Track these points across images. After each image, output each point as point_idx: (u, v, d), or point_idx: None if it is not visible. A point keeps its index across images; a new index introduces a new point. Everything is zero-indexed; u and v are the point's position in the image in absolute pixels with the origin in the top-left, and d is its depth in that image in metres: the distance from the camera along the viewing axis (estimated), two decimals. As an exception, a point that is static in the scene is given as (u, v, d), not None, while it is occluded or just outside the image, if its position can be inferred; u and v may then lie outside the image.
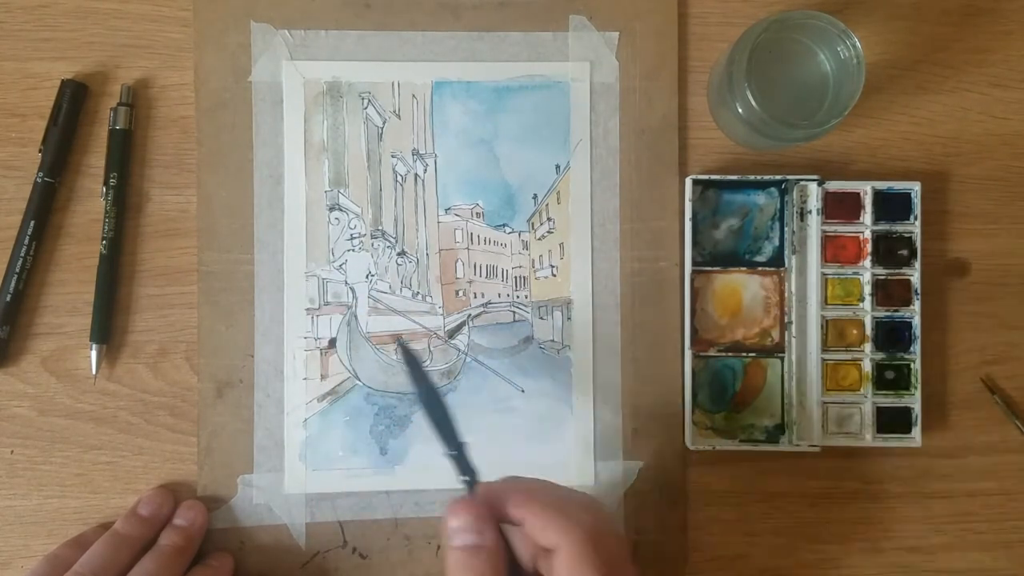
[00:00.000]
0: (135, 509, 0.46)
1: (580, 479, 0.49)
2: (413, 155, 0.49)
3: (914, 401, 0.48)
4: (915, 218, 0.49)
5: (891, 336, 0.49)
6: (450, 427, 0.40)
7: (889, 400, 0.49)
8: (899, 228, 0.49)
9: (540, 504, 0.36)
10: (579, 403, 0.49)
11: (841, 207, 0.49)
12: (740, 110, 0.44)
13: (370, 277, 0.49)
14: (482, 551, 0.36)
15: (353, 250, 0.49)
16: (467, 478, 0.39)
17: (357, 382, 0.49)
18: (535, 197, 0.50)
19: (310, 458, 0.48)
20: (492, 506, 0.37)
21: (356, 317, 0.49)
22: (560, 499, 0.37)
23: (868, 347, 0.48)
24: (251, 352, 0.48)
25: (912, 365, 0.49)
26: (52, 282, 0.48)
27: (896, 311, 0.49)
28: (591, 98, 0.50)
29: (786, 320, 0.49)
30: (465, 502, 0.37)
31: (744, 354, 0.49)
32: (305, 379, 0.48)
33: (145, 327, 0.49)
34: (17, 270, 0.47)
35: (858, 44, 0.43)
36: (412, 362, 0.41)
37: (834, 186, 0.49)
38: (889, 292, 0.49)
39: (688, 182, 0.48)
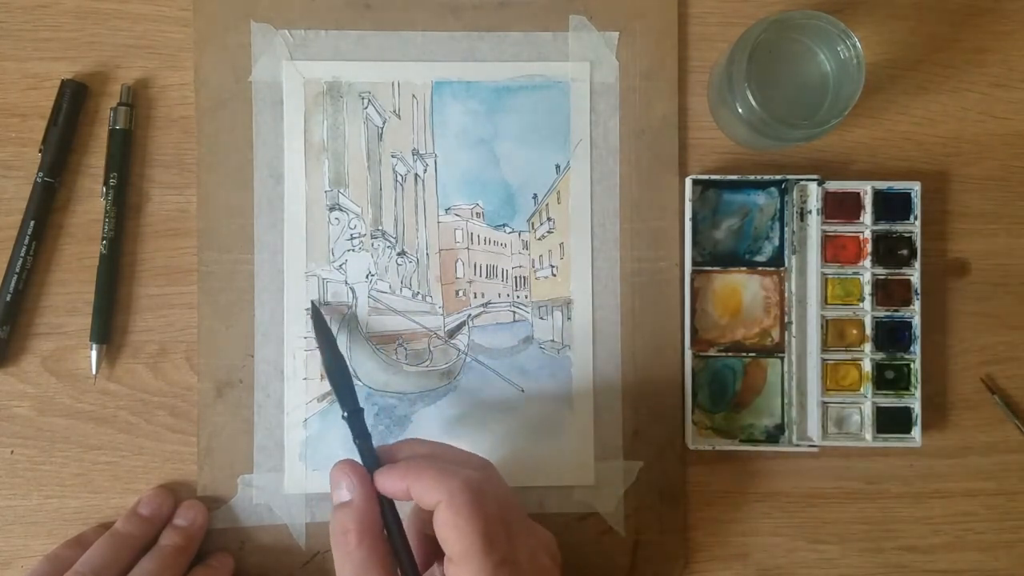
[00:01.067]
0: (135, 509, 0.46)
1: (580, 479, 0.49)
2: (413, 155, 0.49)
3: (914, 401, 0.48)
4: (915, 218, 0.49)
5: (891, 336, 0.49)
6: (350, 391, 0.43)
7: (889, 400, 0.48)
8: (899, 228, 0.49)
9: (420, 466, 0.38)
10: (579, 403, 0.49)
11: (841, 207, 0.49)
12: (740, 110, 0.44)
13: (370, 277, 0.49)
14: (348, 507, 0.38)
15: (353, 250, 0.49)
16: (359, 440, 0.41)
17: (357, 382, 0.49)
18: (535, 197, 0.50)
19: (310, 458, 0.48)
20: (380, 484, 0.39)
21: (356, 317, 0.49)
22: (442, 458, 0.39)
23: (868, 347, 0.48)
24: (251, 352, 0.48)
25: (912, 365, 0.49)
26: (52, 282, 0.48)
27: (896, 311, 0.49)
28: (591, 98, 0.50)
29: (786, 320, 0.49)
30: (339, 463, 0.39)
31: (744, 354, 0.49)
32: (305, 379, 0.48)
33: (145, 327, 0.49)
34: (17, 270, 0.47)
35: (858, 44, 0.43)
36: (320, 323, 0.44)
37: (834, 186, 0.49)
38: (889, 292, 0.49)
39: (688, 182, 0.48)
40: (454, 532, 0.35)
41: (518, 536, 0.37)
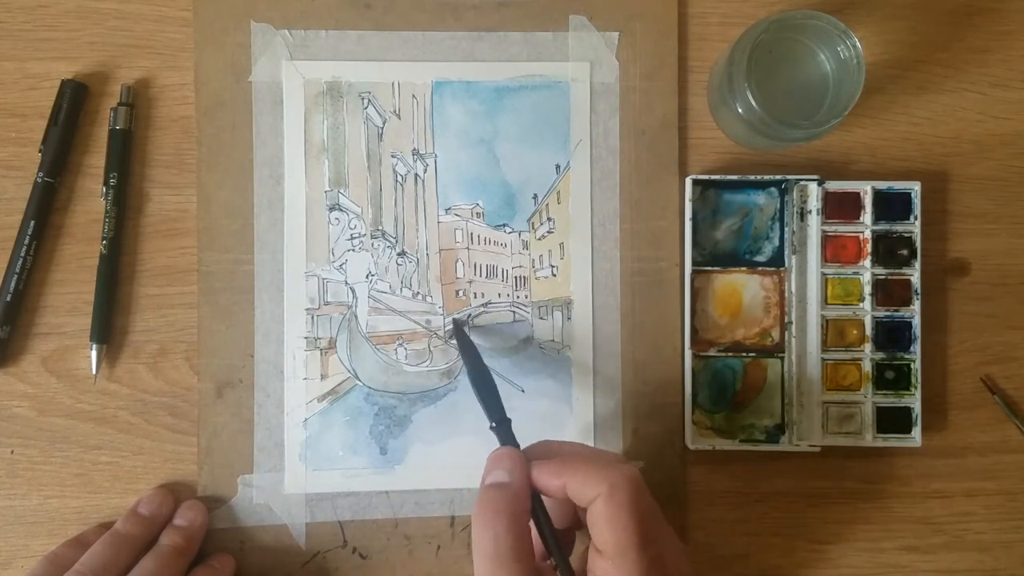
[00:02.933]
0: (135, 509, 0.46)
1: (580, 479, 0.49)
2: (413, 155, 0.49)
3: (914, 401, 0.48)
4: (915, 218, 0.49)
5: (891, 336, 0.49)
6: (496, 402, 0.42)
7: (889, 400, 0.49)
8: (899, 228, 0.49)
9: (577, 462, 0.37)
10: (579, 403, 0.49)
11: (841, 207, 0.49)
12: (740, 110, 0.44)
13: (370, 277, 0.49)
14: (507, 488, 0.37)
15: (353, 250, 0.49)
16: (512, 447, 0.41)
17: (357, 382, 0.49)
18: (535, 197, 0.50)
19: (310, 458, 0.48)
20: (534, 479, 0.38)
21: (356, 317, 0.49)
22: (598, 455, 0.39)
23: (868, 347, 0.48)
24: (251, 352, 0.48)
25: (912, 365, 0.49)
26: (52, 282, 0.48)
27: (896, 311, 0.49)
28: (591, 98, 0.50)
29: (786, 320, 0.49)
30: (502, 449, 0.40)
31: (744, 354, 0.49)
32: (305, 379, 0.48)
33: (145, 327, 0.49)
34: (17, 270, 0.47)
35: (858, 44, 0.43)
36: (462, 338, 0.45)
37: (834, 186, 0.49)
38: (889, 292, 0.49)
39: (688, 182, 0.48)
40: (611, 525, 0.35)
41: (665, 538, 0.37)
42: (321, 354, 0.48)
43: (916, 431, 0.48)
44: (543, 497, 0.39)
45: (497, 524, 0.36)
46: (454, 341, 0.49)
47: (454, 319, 0.49)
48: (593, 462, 0.37)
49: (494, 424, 0.42)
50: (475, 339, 0.49)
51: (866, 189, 0.49)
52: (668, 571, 0.36)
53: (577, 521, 0.41)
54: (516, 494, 0.37)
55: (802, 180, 0.49)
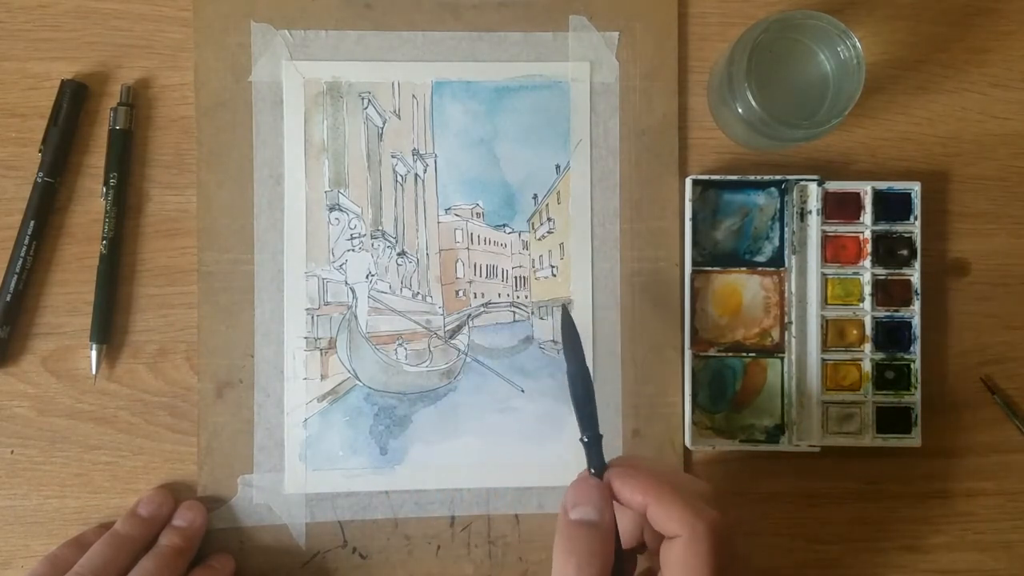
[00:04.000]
0: (135, 510, 0.46)
1: (580, 479, 0.49)
2: (413, 155, 0.49)
3: (914, 401, 0.48)
4: (915, 218, 0.49)
5: (891, 336, 0.49)
6: (592, 414, 0.40)
7: (889, 400, 0.48)
8: (899, 228, 0.49)
9: (666, 492, 0.36)
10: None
11: (841, 207, 0.49)
12: (740, 110, 0.44)
13: (370, 277, 0.49)
14: (597, 529, 0.36)
15: (353, 250, 0.49)
16: (593, 471, 0.39)
17: (357, 382, 0.49)
18: (535, 197, 0.50)
19: (310, 458, 0.48)
20: (612, 486, 0.37)
21: (356, 317, 0.49)
22: (686, 490, 0.37)
23: (868, 347, 0.48)
24: (251, 352, 0.48)
25: (912, 365, 0.49)
26: (52, 282, 0.48)
27: (896, 311, 0.49)
28: (591, 98, 0.50)
29: (786, 320, 0.49)
30: (591, 480, 0.38)
31: (744, 354, 0.49)
32: (305, 379, 0.48)
33: (145, 327, 0.49)
34: (17, 270, 0.47)
35: (858, 44, 0.43)
36: (571, 336, 0.41)
37: (834, 186, 0.49)
38: (889, 292, 0.49)
39: (688, 182, 0.48)
40: (683, 572, 0.34)
41: None
42: (321, 354, 0.48)
43: (916, 431, 0.48)
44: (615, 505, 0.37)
45: (591, 566, 0.35)
46: (454, 341, 0.49)
47: (563, 306, 0.47)
48: (683, 496, 0.35)
49: (585, 439, 0.39)
50: (475, 339, 0.49)
51: (866, 189, 0.49)
52: None
53: (641, 542, 0.40)
54: (605, 536, 0.36)
55: (802, 180, 0.49)
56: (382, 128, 0.49)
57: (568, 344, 0.41)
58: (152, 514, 0.46)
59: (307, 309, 0.49)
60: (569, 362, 0.41)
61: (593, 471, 0.39)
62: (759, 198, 0.49)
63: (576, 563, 0.35)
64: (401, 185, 0.49)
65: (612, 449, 0.49)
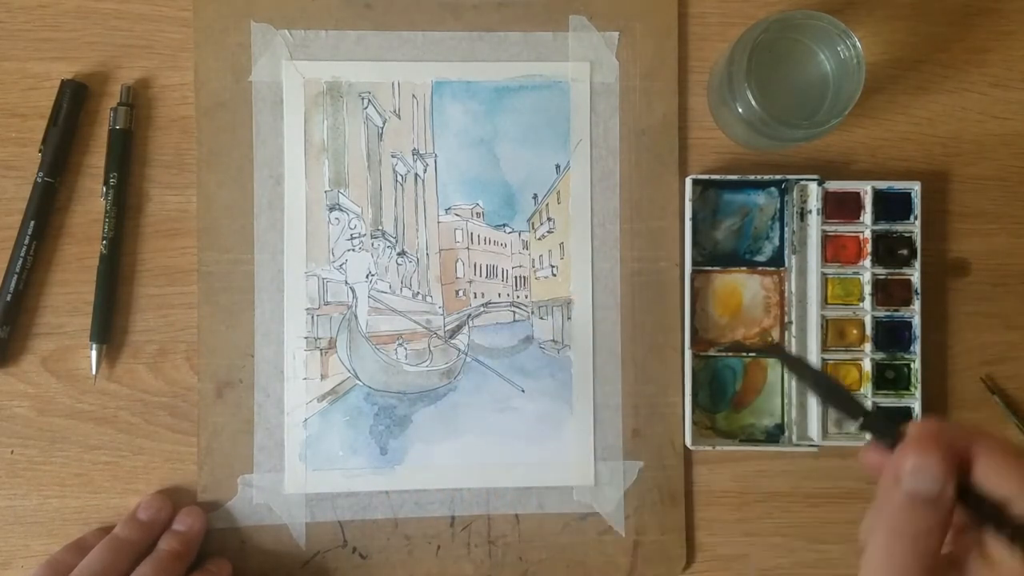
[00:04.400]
0: (134, 514, 0.46)
1: (580, 479, 0.49)
2: (413, 155, 0.49)
3: (914, 401, 0.48)
4: (915, 218, 0.49)
5: (891, 336, 0.49)
6: (849, 400, 0.35)
7: (889, 400, 0.48)
8: (899, 228, 0.49)
9: (994, 443, 0.30)
10: (579, 403, 0.49)
11: (841, 207, 0.49)
12: (740, 110, 0.44)
13: (370, 277, 0.49)
14: (940, 503, 0.29)
15: (353, 250, 0.49)
16: (889, 440, 0.32)
17: (357, 382, 0.49)
18: (535, 197, 0.50)
19: (310, 458, 0.48)
20: (946, 447, 0.30)
21: (356, 317, 0.49)
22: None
23: (868, 347, 0.48)
24: (251, 352, 0.48)
25: (912, 365, 0.49)
26: (52, 282, 0.48)
27: (896, 311, 0.49)
28: (591, 98, 0.50)
29: (786, 320, 0.49)
30: (932, 440, 0.30)
31: (744, 354, 0.49)
32: (305, 379, 0.48)
33: (145, 327, 0.48)
34: (17, 270, 0.47)
35: (858, 44, 0.43)
36: (792, 361, 0.40)
37: (834, 186, 0.49)
38: (889, 292, 0.49)
39: (688, 182, 0.48)
40: None
41: None
42: (321, 354, 0.48)
43: (916, 431, 0.48)
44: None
45: (929, 542, 0.29)
46: (454, 341, 0.49)
47: (774, 346, 0.47)
48: (1018, 455, 0.29)
49: (862, 419, 0.33)
50: (475, 339, 0.49)
51: (866, 189, 0.49)
52: None
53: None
54: (947, 509, 0.29)
55: (802, 180, 0.49)
56: (382, 128, 0.49)
57: (797, 369, 0.39)
58: (151, 518, 0.46)
59: (307, 309, 0.49)
60: (809, 380, 0.37)
61: (888, 440, 0.32)
62: (759, 198, 0.49)
63: (912, 540, 0.29)
64: (401, 185, 0.49)
65: (613, 449, 0.49)
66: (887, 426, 0.32)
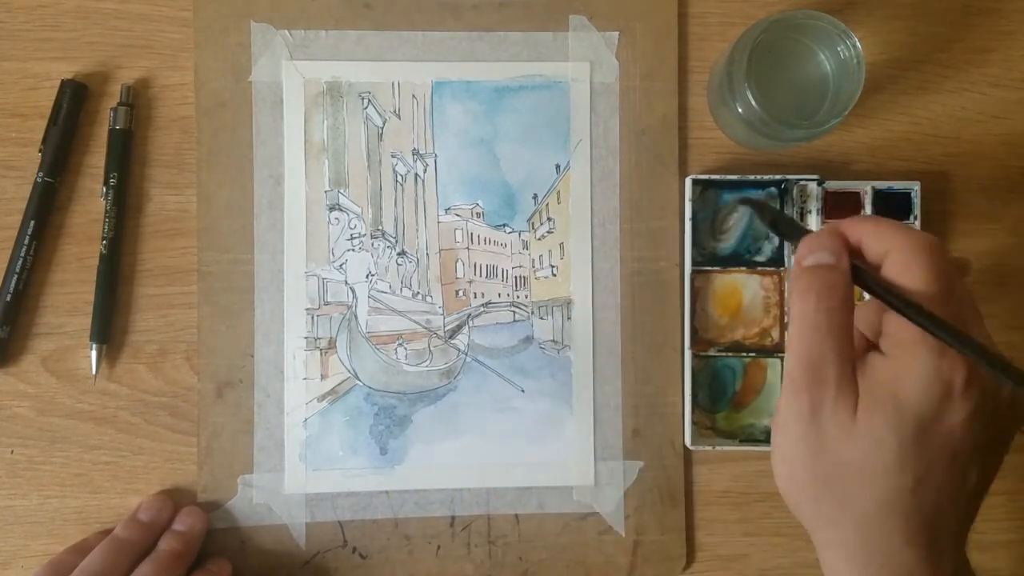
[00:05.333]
0: (135, 515, 0.46)
1: (580, 479, 0.49)
2: (413, 155, 0.49)
3: (914, 401, 0.48)
4: (915, 218, 0.49)
5: (891, 336, 0.49)
6: (788, 225, 0.39)
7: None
8: (899, 228, 0.49)
9: (872, 218, 0.36)
10: (579, 403, 0.49)
11: (841, 207, 0.49)
12: (740, 110, 0.44)
13: (370, 277, 0.49)
14: (832, 269, 0.34)
15: (353, 250, 0.49)
16: (795, 230, 0.37)
17: (357, 382, 0.49)
18: (535, 197, 0.50)
19: (310, 458, 0.48)
20: (840, 235, 0.35)
21: (356, 317, 0.49)
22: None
23: (868, 347, 0.48)
24: (251, 352, 0.48)
25: (912, 365, 0.48)
26: (52, 282, 0.48)
27: (896, 311, 0.49)
28: (591, 98, 0.50)
29: (786, 320, 0.49)
30: (827, 229, 0.35)
31: (744, 354, 0.49)
32: (305, 379, 0.48)
33: (145, 327, 0.49)
34: (17, 270, 0.47)
35: (858, 44, 0.43)
36: (753, 203, 0.40)
37: (834, 186, 0.49)
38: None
39: (688, 182, 0.48)
40: (907, 276, 0.32)
41: (965, 302, 0.34)
42: (321, 354, 0.48)
43: (916, 431, 0.48)
44: None
45: (832, 299, 0.33)
46: (454, 341, 0.49)
47: (743, 199, 0.47)
48: (889, 221, 0.34)
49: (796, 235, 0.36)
50: (475, 339, 0.49)
51: (866, 189, 0.49)
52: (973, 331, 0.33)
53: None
54: (844, 276, 0.34)
55: (802, 180, 0.49)
56: (382, 128, 0.49)
57: (758, 209, 0.40)
58: (152, 519, 0.46)
59: (307, 309, 0.49)
60: (762, 213, 0.39)
61: (795, 232, 0.37)
62: (759, 198, 0.49)
63: (815, 295, 0.33)
64: (401, 185, 0.49)
65: (613, 449, 0.49)
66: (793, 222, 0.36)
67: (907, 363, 0.32)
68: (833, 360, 0.33)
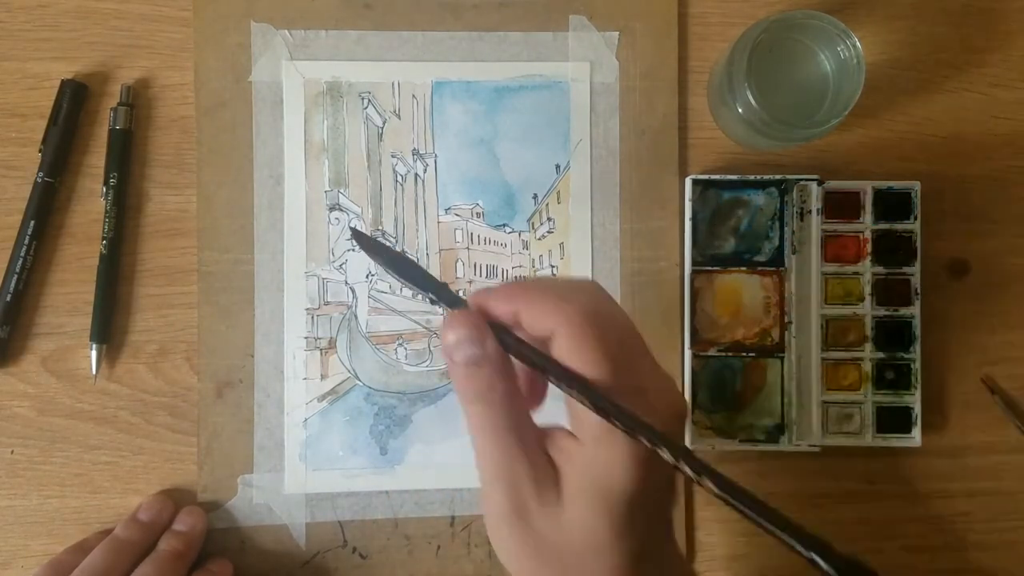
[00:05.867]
0: (135, 515, 0.46)
1: (580, 479, 0.49)
2: (413, 155, 0.49)
3: (914, 401, 0.48)
4: (915, 218, 0.49)
5: (891, 336, 0.49)
6: (424, 275, 0.36)
7: (889, 400, 0.48)
8: (899, 228, 0.49)
9: (531, 292, 0.33)
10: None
11: (841, 207, 0.49)
12: (740, 110, 0.44)
13: (370, 277, 0.49)
14: (486, 361, 0.32)
15: (353, 250, 0.49)
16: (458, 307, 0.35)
17: (357, 382, 0.49)
18: (535, 197, 0.50)
19: (310, 458, 0.48)
20: (485, 311, 0.33)
21: (356, 317, 0.49)
22: (553, 285, 0.35)
23: (868, 347, 0.48)
24: (251, 352, 0.48)
25: (912, 365, 0.49)
26: (52, 282, 0.48)
27: (896, 311, 0.49)
28: (591, 98, 0.50)
29: (786, 320, 0.49)
30: (460, 313, 0.33)
31: (744, 354, 0.49)
32: (305, 379, 0.48)
33: (145, 327, 0.48)
34: (17, 270, 0.47)
35: (858, 44, 0.43)
36: (363, 239, 0.38)
37: (834, 186, 0.49)
38: (889, 292, 0.49)
39: (688, 182, 0.48)
40: (577, 360, 0.31)
41: (645, 369, 0.34)
42: (321, 354, 0.48)
43: (916, 431, 0.48)
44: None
45: (493, 397, 0.32)
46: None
47: (352, 228, 0.46)
48: (550, 292, 0.32)
49: (431, 295, 0.34)
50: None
51: (866, 189, 0.49)
52: (649, 401, 0.33)
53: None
54: (496, 363, 0.32)
55: (802, 180, 0.49)
56: (382, 128, 0.49)
57: (370, 247, 0.37)
58: (152, 519, 0.46)
59: (307, 309, 0.49)
60: (382, 258, 0.37)
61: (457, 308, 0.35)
62: (759, 198, 0.49)
63: (480, 401, 0.32)
64: (401, 185, 0.49)
65: (612, 449, 0.49)
66: (454, 298, 0.34)
67: (605, 453, 0.32)
68: (520, 456, 0.33)
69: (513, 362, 0.33)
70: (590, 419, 0.32)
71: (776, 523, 0.30)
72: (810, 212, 0.49)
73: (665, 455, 0.31)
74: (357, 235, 0.38)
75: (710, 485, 0.30)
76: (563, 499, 0.33)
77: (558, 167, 0.50)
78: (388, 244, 0.42)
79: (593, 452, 0.32)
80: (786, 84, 0.46)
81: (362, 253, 0.49)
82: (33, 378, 0.48)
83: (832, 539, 0.51)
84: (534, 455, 0.33)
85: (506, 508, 0.33)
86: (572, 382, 0.32)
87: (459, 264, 0.49)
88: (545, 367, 0.32)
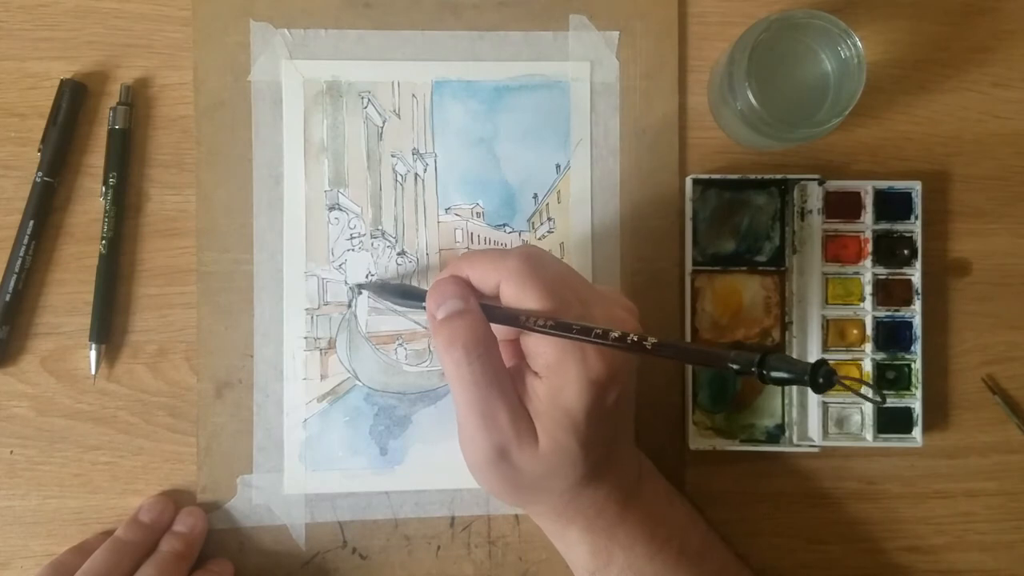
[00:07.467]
0: (136, 516, 0.46)
1: (580, 479, 0.49)
2: (413, 155, 0.49)
3: (915, 401, 0.48)
4: (916, 218, 0.49)
5: (892, 336, 0.49)
6: (413, 292, 0.44)
7: (890, 400, 0.48)
8: (900, 228, 0.49)
9: (474, 258, 0.39)
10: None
11: (841, 207, 0.49)
12: (740, 109, 0.44)
13: (370, 277, 0.49)
14: (466, 314, 0.37)
15: (353, 250, 0.49)
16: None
17: (357, 382, 0.49)
18: (535, 197, 0.50)
19: (310, 458, 0.48)
20: (467, 276, 0.39)
21: (356, 317, 0.49)
22: (492, 249, 0.41)
23: (868, 347, 0.48)
24: (251, 352, 0.48)
25: (913, 365, 0.48)
26: (52, 282, 0.48)
27: (897, 311, 0.49)
28: (591, 98, 0.49)
29: (786, 320, 0.49)
30: (442, 278, 0.39)
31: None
32: (305, 379, 0.48)
33: (145, 327, 0.48)
34: (16, 270, 0.47)
35: (859, 43, 0.43)
36: (368, 287, 0.46)
37: (834, 186, 0.49)
38: (890, 292, 0.49)
39: (688, 182, 0.48)
40: (522, 298, 0.36)
41: (588, 297, 0.38)
42: (321, 354, 0.48)
43: (917, 431, 0.48)
44: None
45: (478, 345, 0.36)
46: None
47: (354, 286, 0.49)
48: (489, 252, 0.39)
49: (423, 305, 0.40)
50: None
51: (866, 189, 0.48)
52: (606, 315, 0.37)
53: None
54: (475, 316, 0.37)
55: (802, 180, 0.48)
56: (382, 127, 0.49)
57: (378, 292, 0.46)
58: (153, 520, 0.46)
59: (307, 309, 0.48)
60: (388, 294, 0.46)
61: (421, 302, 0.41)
62: (759, 198, 0.49)
63: (462, 347, 0.36)
64: (401, 185, 0.49)
65: (612, 449, 0.49)
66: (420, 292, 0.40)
67: (562, 380, 0.36)
68: (502, 406, 0.37)
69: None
70: (544, 355, 0.37)
71: (701, 355, 0.38)
72: (811, 212, 0.49)
73: (619, 346, 0.35)
74: (361, 287, 0.47)
75: (654, 340, 0.34)
76: (539, 438, 0.37)
77: (558, 167, 0.50)
78: (389, 281, 0.48)
79: (551, 381, 0.37)
80: (787, 83, 0.46)
81: (362, 252, 0.49)
82: (32, 378, 0.48)
83: (832, 539, 0.51)
84: (513, 404, 0.37)
85: (490, 453, 0.37)
86: (522, 316, 0.36)
87: (459, 264, 0.49)
88: (502, 314, 0.37)
